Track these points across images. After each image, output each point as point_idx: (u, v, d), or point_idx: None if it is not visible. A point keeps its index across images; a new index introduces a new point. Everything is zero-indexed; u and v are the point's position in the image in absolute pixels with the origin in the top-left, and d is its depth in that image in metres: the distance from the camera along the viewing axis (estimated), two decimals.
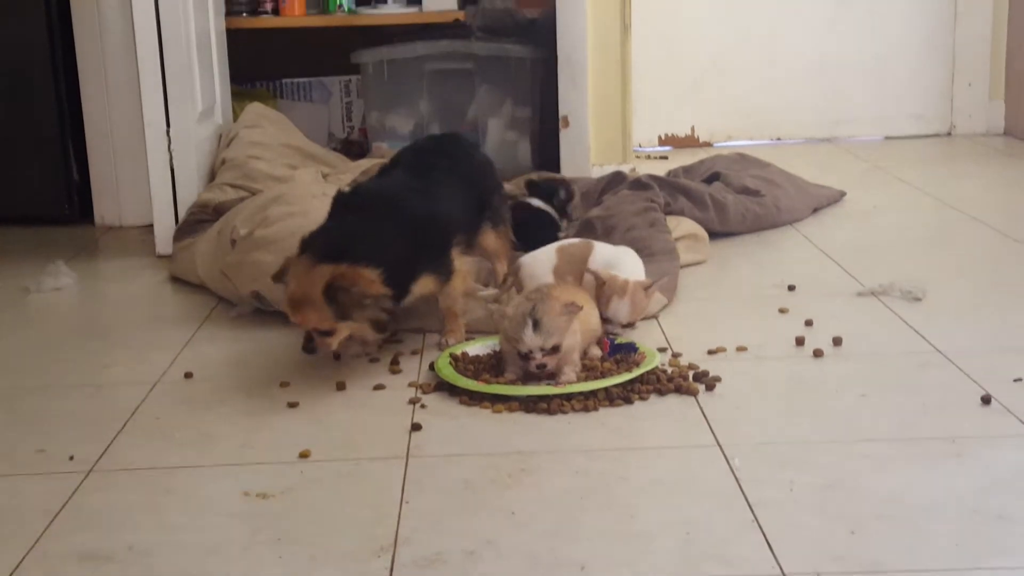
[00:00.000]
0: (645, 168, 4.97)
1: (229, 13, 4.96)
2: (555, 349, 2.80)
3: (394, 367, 3.03)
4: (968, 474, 2.36)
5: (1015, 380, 2.79)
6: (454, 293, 3.14)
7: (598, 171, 4.77)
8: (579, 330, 2.88)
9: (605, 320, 3.15)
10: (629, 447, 2.56)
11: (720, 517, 2.21)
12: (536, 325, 2.78)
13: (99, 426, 2.74)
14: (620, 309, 3.17)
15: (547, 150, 4.97)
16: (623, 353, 3.01)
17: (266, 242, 3.44)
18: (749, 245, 4.12)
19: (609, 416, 2.70)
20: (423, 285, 3.04)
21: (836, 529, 2.15)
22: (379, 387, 2.92)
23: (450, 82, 5.06)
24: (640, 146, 5.95)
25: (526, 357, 2.81)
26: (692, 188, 4.22)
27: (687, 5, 6.05)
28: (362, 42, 5.12)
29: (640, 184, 4.17)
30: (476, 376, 2.89)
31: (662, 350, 3.07)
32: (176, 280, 3.93)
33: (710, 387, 2.82)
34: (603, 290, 3.16)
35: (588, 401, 2.74)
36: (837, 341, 3.09)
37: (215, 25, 4.67)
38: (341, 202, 3.09)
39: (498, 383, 2.83)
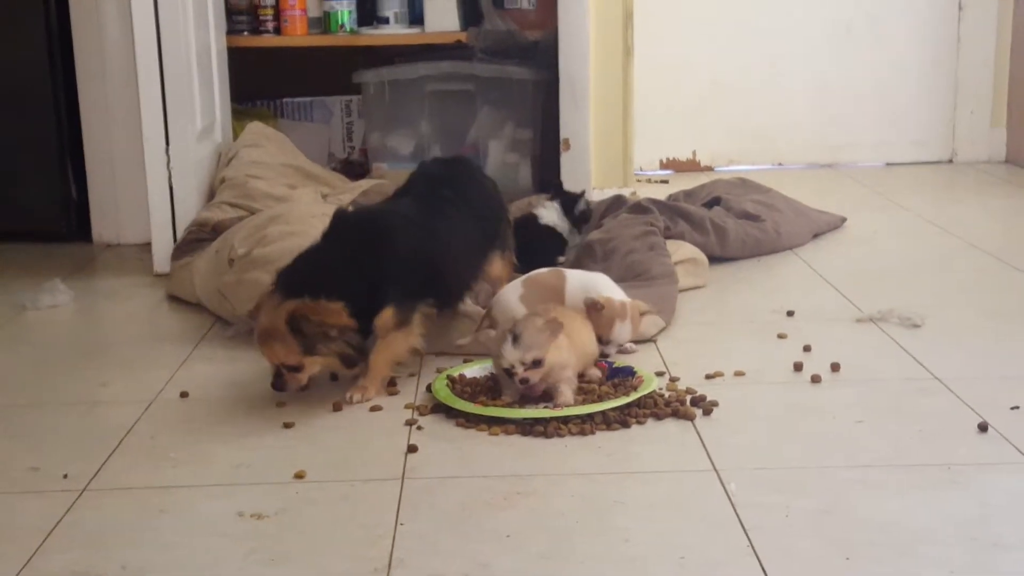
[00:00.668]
0: (646, 192, 4.97)
1: (230, 31, 4.96)
2: (537, 363, 2.79)
3: (391, 388, 3.02)
4: (964, 501, 2.35)
5: (1012, 408, 2.79)
6: (393, 346, 3.01)
7: (599, 194, 4.77)
8: (567, 346, 2.87)
9: (606, 343, 3.15)
10: (625, 471, 2.55)
11: (715, 542, 2.21)
12: (515, 339, 2.78)
13: (94, 445, 2.74)
14: (623, 331, 3.19)
15: (548, 173, 4.96)
16: (621, 377, 3.00)
17: (264, 261, 3.44)
18: (749, 270, 4.11)
19: (606, 440, 2.70)
20: (383, 319, 2.96)
21: (831, 555, 2.14)
22: (376, 408, 2.91)
23: (451, 103, 5.06)
24: (641, 170, 5.94)
25: (510, 373, 2.81)
26: (692, 212, 4.22)
27: (689, 29, 6.05)
28: (364, 62, 5.13)
29: (640, 208, 4.17)
30: (473, 398, 2.88)
31: (660, 374, 3.06)
32: (173, 299, 3.93)
33: (707, 412, 2.82)
34: (603, 314, 3.16)
35: (585, 425, 2.73)
36: (835, 367, 3.08)
37: (216, 43, 4.67)
38: (330, 228, 3.07)
39: (495, 405, 2.83)
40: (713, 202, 4.50)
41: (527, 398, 2.84)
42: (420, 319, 3.05)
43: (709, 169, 6.10)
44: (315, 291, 2.84)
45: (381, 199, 3.86)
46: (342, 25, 5.11)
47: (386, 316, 2.95)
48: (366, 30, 5.16)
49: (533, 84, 4.99)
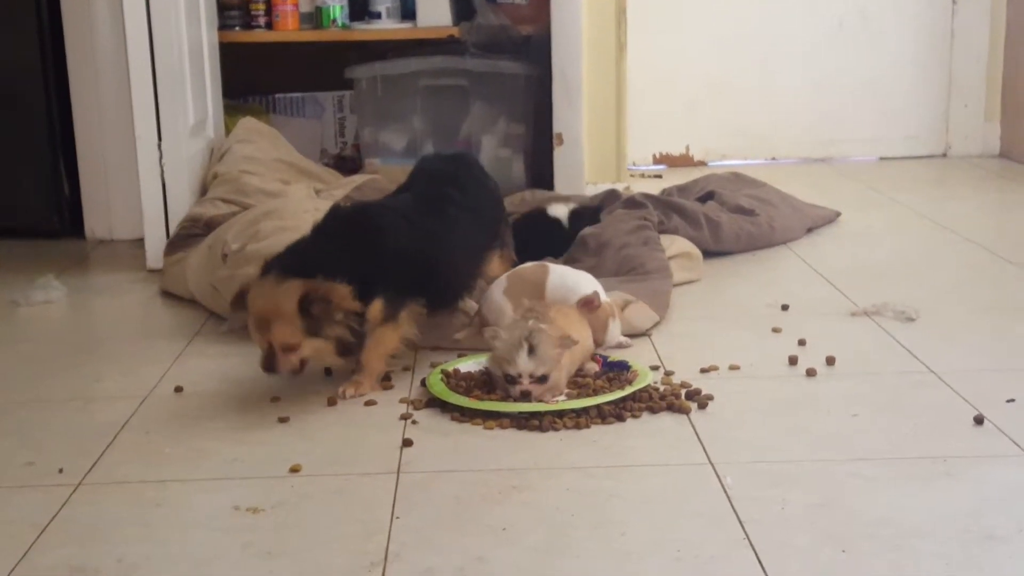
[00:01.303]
0: (639, 187, 4.97)
1: (222, 27, 4.95)
2: (543, 379, 2.80)
3: (385, 383, 3.02)
4: (960, 494, 2.35)
5: (1008, 401, 2.79)
6: (384, 340, 3.01)
7: (592, 189, 4.77)
8: (566, 364, 2.88)
9: (599, 345, 3.15)
10: (621, 464, 2.55)
11: (711, 535, 2.21)
12: (532, 350, 2.78)
13: (89, 440, 2.73)
14: (615, 329, 3.19)
15: (541, 167, 4.98)
16: (616, 371, 3.01)
17: (257, 256, 3.42)
18: (743, 264, 4.12)
19: (601, 434, 2.70)
20: (372, 312, 2.94)
21: (827, 548, 2.14)
22: (370, 403, 2.91)
23: (444, 98, 5.06)
24: (634, 164, 5.95)
25: (513, 381, 2.80)
26: (686, 207, 4.22)
27: (683, 24, 6.06)
28: (356, 58, 5.12)
29: (634, 202, 4.17)
30: (468, 393, 2.88)
31: (655, 368, 3.06)
32: (167, 294, 3.93)
33: (702, 405, 2.82)
34: (598, 316, 3.15)
35: (580, 418, 2.73)
36: (830, 361, 3.08)
37: (208, 39, 4.67)
38: (322, 221, 3.07)
39: (490, 399, 2.83)
40: (707, 197, 4.50)
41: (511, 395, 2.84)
42: (410, 314, 3.03)
43: (702, 164, 6.10)
44: (327, 273, 2.83)
45: (375, 195, 3.86)
46: (334, 20, 5.11)
47: (375, 309, 2.94)
48: (358, 25, 5.16)
49: (526, 79, 4.99)
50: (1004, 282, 3.87)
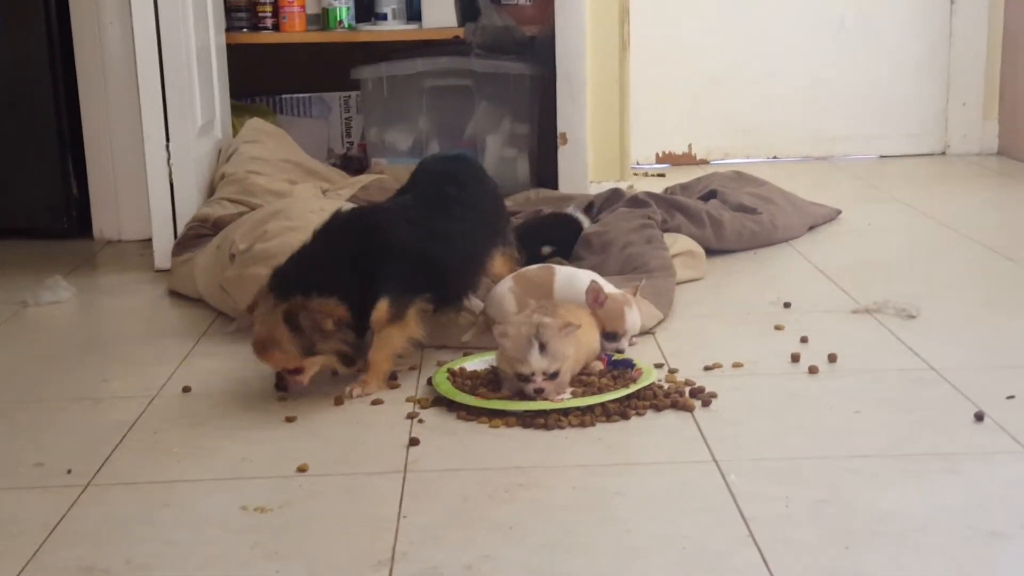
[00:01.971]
0: (643, 185, 4.99)
1: (229, 28, 4.98)
2: (555, 375, 2.81)
3: (392, 382, 3.03)
4: (961, 490, 2.37)
5: (1008, 397, 2.81)
6: (391, 340, 3.02)
7: (596, 188, 4.78)
8: (573, 355, 2.89)
9: (622, 335, 3.15)
10: (626, 462, 2.57)
11: (715, 532, 2.22)
12: (543, 348, 2.79)
13: (97, 440, 2.75)
14: (634, 318, 3.18)
15: (545, 167, 4.99)
16: (620, 369, 3.02)
17: (265, 256, 3.45)
18: (745, 262, 4.13)
19: (606, 431, 2.71)
20: (378, 312, 2.97)
21: (830, 545, 2.16)
22: (377, 402, 2.92)
23: (449, 98, 5.08)
24: (638, 163, 5.96)
25: (526, 379, 2.81)
26: (689, 205, 4.24)
27: (686, 24, 6.07)
28: (362, 58, 5.14)
29: (637, 201, 4.18)
30: (473, 391, 2.90)
31: (659, 366, 3.07)
32: (175, 294, 3.94)
33: (706, 403, 2.84)
34: (612, 306, 3.16)
35: (585, 416, 2.75)
36: (832, 358, 3.10)
37: (215, 40, 4.68)
38: (324, 225, 3.08)
39: (496, 398, 2.84)
40: (709, 195, 4.51)
41: (524, 394, 2.84)
42: (416, 313, 3.05)
43: (705, 163, 6.11)
44: (306, 290, 2.86)
45: (381, 194, 3.87)
46: (340, 21, 5.13)
47: (380, 309, 2.96)
48: (364, 26, 5.18)
49: (530, 79, 5.00)
50: (1003, 278, 3.89)
